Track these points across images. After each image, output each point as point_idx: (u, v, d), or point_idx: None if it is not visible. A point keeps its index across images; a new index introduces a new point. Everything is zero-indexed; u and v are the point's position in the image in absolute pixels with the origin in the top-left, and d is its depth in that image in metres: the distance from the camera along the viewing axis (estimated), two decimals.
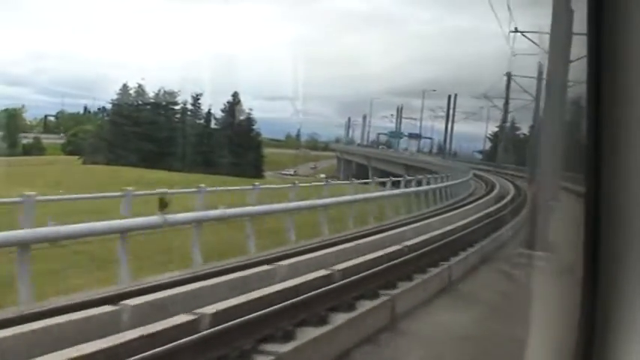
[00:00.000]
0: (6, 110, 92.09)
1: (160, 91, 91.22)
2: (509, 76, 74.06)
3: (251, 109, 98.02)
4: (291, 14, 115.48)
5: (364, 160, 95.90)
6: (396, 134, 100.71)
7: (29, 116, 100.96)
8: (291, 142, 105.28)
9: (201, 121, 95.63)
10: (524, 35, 46.80)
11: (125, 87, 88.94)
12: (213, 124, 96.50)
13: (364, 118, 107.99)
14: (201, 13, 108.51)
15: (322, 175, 49.87)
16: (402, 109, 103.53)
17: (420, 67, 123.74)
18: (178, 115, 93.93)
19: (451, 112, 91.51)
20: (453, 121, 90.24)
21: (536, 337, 2.44)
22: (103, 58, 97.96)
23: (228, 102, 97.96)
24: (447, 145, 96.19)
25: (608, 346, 1.59)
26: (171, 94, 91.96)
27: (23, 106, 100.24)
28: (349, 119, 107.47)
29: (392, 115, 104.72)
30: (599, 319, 1.61)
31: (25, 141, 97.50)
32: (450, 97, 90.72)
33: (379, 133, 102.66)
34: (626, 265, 1.56)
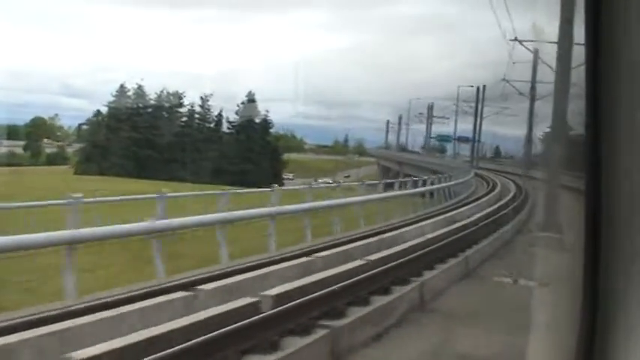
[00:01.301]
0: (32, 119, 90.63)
1: (162, 92, 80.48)
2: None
3: (267, 111, 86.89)
4: (348, 21, 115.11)
5: (397, 166, 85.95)
6: (445, 138, 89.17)
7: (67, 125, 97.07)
8: (339, 148, 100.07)
9: (211, 125, 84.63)
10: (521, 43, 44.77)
11: (122, 88, 78.38)
12: (225, 128, 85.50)
13: (399, 119, 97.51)
14: (261, 22, 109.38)
15: (323, 179, 46.54)
16: (432, 107, 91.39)
17: (475, 71, 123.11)
18: (184, 119, 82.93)
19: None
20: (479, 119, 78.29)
21: (537, 338, 2.66)
22: (163, 69, 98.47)
23: (242, 102, 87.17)
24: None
25: (608, 347, 1.62)
26: (176, 95, 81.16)
27: (56, 115, 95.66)
28: (387, 123, 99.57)
29: (421, 113, 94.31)
30: (599, 320, 1.63)
31: (49, 150, 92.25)
32: (478, 88, 78.16)
33: (430, 137, 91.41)
34: (626, 266, 1.58)
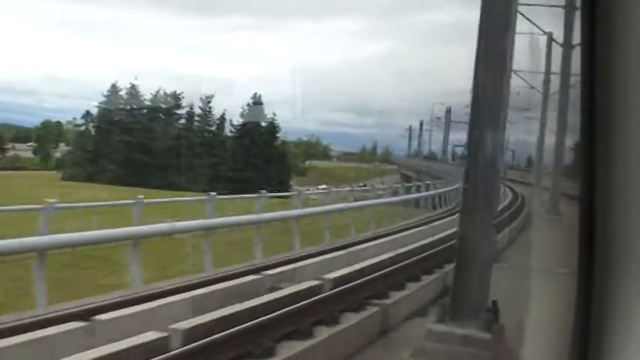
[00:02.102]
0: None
1: (158, 92, 73.41)
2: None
3: (274, 114, 79.63)
4: (382, 28, 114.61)
5: (415, 175, 78.60)
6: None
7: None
8: (367, 155, 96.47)
9: (212, 128, 77.51)
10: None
11: (114, 87, 71.47)
12: (228, 131, 78.33)
13: (421, 125, 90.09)
14: (295, 30, 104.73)
15: (323, 186, 43.73)
16: (450, 110, 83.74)
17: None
18: (182, 121, 75.86)
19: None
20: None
21: (531, 341, 2.77)
22: (197, 75, 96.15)
23: (247, 104, 80.00)
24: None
25: (603, 348, 1.61)
26: (174, 96, 74.10)
27: (74, 119, 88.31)
28: (410, 129, 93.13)
29: (438, 118, 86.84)
30: (593, 321, 1.63)
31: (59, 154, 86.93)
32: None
33: (455, 145, 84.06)
34: (621, 267, 1.58)
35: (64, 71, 66.69)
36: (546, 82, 33.42)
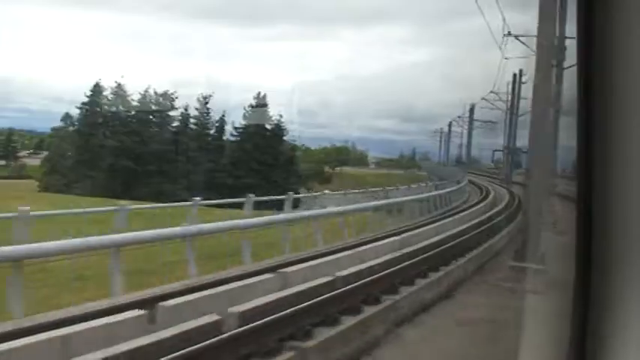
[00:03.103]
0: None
1: (146, 92, 65.18)
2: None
3: (281, 115, 71.27)
4: (424, 35, 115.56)
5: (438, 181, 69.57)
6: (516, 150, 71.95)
7: None
8: (404, 161, 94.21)
9: (210, 131, 69.19)
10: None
11: (98, 87, 63.34)
12: (228, 135, 70.00)
13: (449, 126, 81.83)
14: (338, 39, 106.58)
15: (326, 191, 36.74)
16: (473, 108, 74.51)
17: None
18: (176, 124, 67.61)
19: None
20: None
21: (529, 339, 2.65)
22: (240, 83, 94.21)
23: (250, 106, 71.69)
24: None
25: (600, 348, 1.63)
26: (166, 96, 65.94)
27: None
28: (441, 132, 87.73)
29: (459, 117, 78.38)
30: (591, 321, 1.65)
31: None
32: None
33: (494, 150, 75.54)
34: (619, 268, 1.60)
35: (110, 81, 63.63)
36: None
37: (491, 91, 52.60)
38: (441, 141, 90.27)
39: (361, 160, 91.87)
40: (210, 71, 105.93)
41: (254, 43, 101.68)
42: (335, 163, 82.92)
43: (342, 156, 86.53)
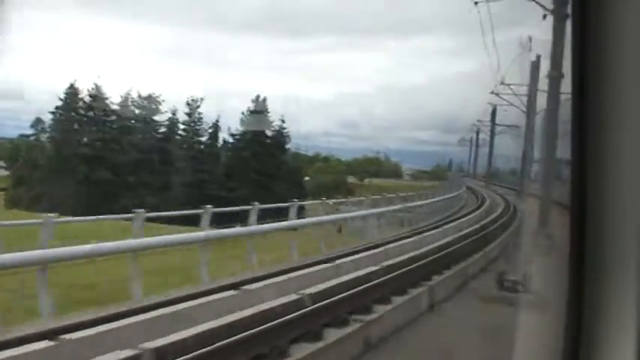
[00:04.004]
0: None
1: (128, 94, 57.48)
2: None
3: (283, 120, 63.50)
4: (467, 46, 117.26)
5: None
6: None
7: None
8: (439, 173, 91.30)
9: (203, 138, 61.42)
10: None
11: (73, 89, 55.78)
12: (222, 142, 62.28)
13: (477, 133, 73.73)
14: (380, 51, 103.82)
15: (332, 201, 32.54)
16: (495, 110, 65.49)
17: None
18: (163, 130, 59.83)
19: None
20: None
21: (524, 342, 2.75)
22: (279, 97, 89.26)
23: (249, 110, 63.92)
24: None
25: (594, 350, 1.64)
26: (151, 99, 58.26)
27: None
28: (471, 140, 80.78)
29: (479, 121, 69.93)
30: (585, 325, 1.66)
31: None
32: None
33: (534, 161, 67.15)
34: (611, 272, 1.61)
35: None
36: None
37: (503, 83, 41.64)
38: (470, 150, 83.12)
39: (394, 171, 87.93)
40: (251, 83, 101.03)
41: (294, 56, 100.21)
42: (363, 174, 78.38)
43: (373, 167, 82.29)
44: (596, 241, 1.62)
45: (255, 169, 59.24)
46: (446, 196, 45.01)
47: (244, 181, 56.98)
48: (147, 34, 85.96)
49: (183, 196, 51.09)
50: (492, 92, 49.33)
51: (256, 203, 19.05)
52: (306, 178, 66.81)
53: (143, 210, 16.29)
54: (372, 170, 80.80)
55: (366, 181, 76.89)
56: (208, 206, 17.19)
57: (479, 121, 66.89)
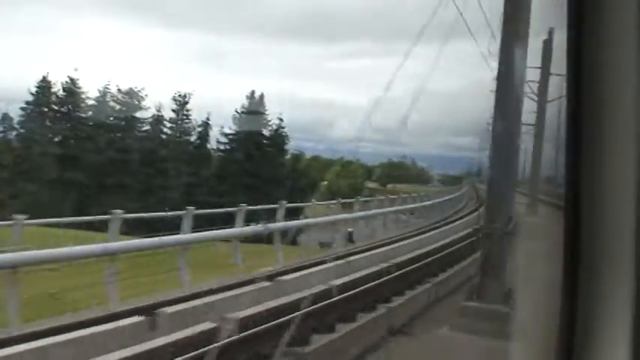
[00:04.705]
0: None
1: (106, 88, 51.33)
2: None
3: (281, 119, 57.48)
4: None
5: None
6: None
7: None
8: (466, 178, 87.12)
9: (191, 138, 55.20)
10: None
11: (46, 82, 49.61)
12: (215, 142, 56.15)
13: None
14: (417, 55, 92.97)
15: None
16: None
17: None
18: (147, 127, 53.59)
19: None
20: None
21: (517, 339, 2.72)
22: (313, 102, 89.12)
23: (242, 109, 57.84)
24: None
25: (588, 349, 1.65)
26: (132, 94, 52.06)
27: None
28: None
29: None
30: (579, 321, 1.67)
31: None
32: None
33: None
34: (607, 267, 1.62)
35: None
36: None
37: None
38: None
39: (421, 176, 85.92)
40: (287, 89, 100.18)
41: (328, 62, 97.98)
42: (386, 180, 75.86)
43: (398, 172, 79.74)
44: (590, 241, 1.61)
45: (248, 172, 53.08)
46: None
47: (237, 185, 50.79)
48: (176, 40, 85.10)
49: (167, 201, 44.86)
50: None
51: (191, 209, 15.43)
52: (324, 183, 63.11)
53: (23, 217, 12.55)
54: (397, 175, 78.39)
55: (390, 186, 73.95)
56: (117, 211, 13.75)
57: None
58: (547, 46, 27.99)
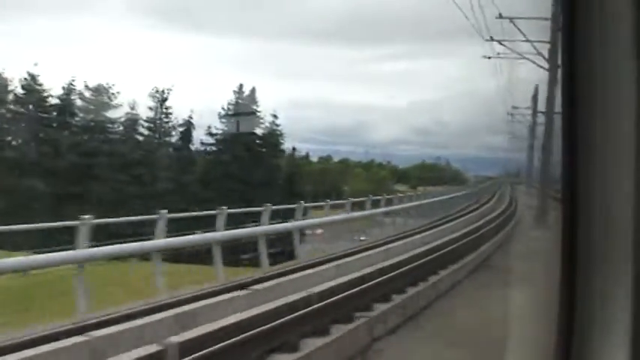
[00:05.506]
0: None
1: (71, 85, 44.83)
2: None
3: (275, 116, 51.06)
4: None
5: None
6: None
7: None
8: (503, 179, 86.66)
9: (172, 139, 48.69)
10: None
11: (2, 79, 43.00)
12: (199, 144, 49.72)
13: (532, 130, 62.60)
14: (454, 57, 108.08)
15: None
16: (537, 92, 51.19)
17: None
18: (119, 128, 47.01)
19: None
20: None
21: (515, 338, 2.75)
22: (361, 106, 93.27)
23: (229, 105, 51.33)
24: None
25: (586, 347, 1.64)
26: (101, 90, 45.51)
27: None
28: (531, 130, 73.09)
29: (514, 108, 56.29)
30: (577, 320, 1.66)
31: None
32: None
33: None
34: (604, 265, 1.61)
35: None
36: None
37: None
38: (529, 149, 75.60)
39: (455, 178, 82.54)
40: (325, 92, 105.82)
41: (366, 65, 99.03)
42: (417, 182, 72.71)
43: (430, 173, 76.60)
44: (588, 241, 1.61)
45: (238, 177, 46.47)
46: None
47: (224, 191, 44.16)
48: (218, 46, 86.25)
49: (140, 211, 38.31)
50: None
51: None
52: (345, 188, 59.16)
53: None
54: (428, 177, 74.66)
55: (420, 189, 68.70)
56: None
57: (514, 107, 52.28)
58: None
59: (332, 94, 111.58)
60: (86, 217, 11.38)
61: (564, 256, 1.65)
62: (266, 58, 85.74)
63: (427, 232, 21.18)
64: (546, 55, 28.35)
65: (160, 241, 12.85)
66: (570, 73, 1.61)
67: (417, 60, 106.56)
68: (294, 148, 64.33)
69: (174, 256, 18.68)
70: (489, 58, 34.82)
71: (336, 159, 70.11)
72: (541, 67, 29.76)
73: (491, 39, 31.33)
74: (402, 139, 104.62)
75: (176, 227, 14.30)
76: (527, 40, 29.02)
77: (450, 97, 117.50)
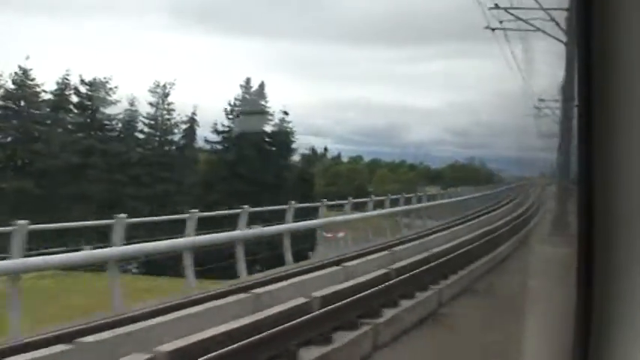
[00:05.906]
0: None
1: (66, 78, 41.86)
2: None
3: (286, 112, 47.95)
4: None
5: None
6: None
7: None
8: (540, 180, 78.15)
9: (175, 137, 45.58)
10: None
11: None
12: (203, 142, 46.60)
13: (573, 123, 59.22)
14: (492, 56, 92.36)
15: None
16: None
17: None
18: (117, 124, 43.92)
19: None
20: None
21: (533, 338, 2.73)
22: (397, 107, 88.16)
23: (235, 103, 48.15)
24: None
25: (604, 348, 1.63)
26: (98, 84, 42.46)
27: None
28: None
29: (541, 100, 52.38)
30: (594, 321, 1.64)
31: None
32: None
33: None
34: (621, 266, 1.59)
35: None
36: None
37: None
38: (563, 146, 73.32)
39: (490, 179, 79.63)
40: (363, 94, 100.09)
41: (400, 65, 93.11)
42: (450, 183, 68.84)
43: (463, 174, 73.45)
44: (605, 241, 1.58)
45: (245, 178, 43.27)
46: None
47: (229, 195, 40.93)
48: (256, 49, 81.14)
49: (138, 214, 35.21)
50: None
51: None
52: (370, 190, 55.85)
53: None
54: (460, 177, 71.12)
55: (451, 189, 67.73)
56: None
57: (540, 100, 48.23)
58: None
59: (370, 95, 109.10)
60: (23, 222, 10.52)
61: (581, 257, 1.61)
62: (302, 59, 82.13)
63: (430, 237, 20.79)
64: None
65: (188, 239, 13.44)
66: (587, 72, 1.57)
67: (453, 60, 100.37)
68: (325, 149, 61.87)
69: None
70: (493, 30, 32.48)
71: (367, 160, 68.70)
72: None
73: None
74: (438, 139, 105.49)
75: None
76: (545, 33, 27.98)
77: (486, 96, 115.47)
